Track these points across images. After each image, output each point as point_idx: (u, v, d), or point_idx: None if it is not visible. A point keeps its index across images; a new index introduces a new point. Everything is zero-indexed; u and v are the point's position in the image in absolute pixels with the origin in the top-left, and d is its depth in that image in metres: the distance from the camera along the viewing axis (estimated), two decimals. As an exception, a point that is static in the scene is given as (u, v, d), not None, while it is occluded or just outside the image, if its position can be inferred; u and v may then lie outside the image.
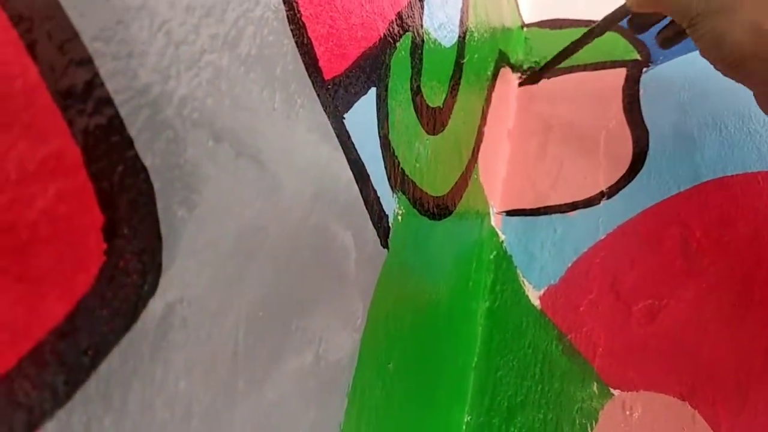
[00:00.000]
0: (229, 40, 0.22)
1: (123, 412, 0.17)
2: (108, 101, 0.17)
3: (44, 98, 0.16)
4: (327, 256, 0.29)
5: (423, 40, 0.40)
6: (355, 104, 0.31)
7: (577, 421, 0.45)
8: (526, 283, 0.53)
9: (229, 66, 0.22)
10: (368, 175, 0.33)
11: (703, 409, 0.43)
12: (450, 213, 0.46)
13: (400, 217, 0.37)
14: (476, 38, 0.53)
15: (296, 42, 0.26)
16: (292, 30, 0.26)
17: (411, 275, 0.40)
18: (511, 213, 0.58)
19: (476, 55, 0.53)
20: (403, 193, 0.38)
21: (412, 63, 0.39)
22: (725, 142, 0.53)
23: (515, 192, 0.59)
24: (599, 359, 0.47)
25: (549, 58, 0.67)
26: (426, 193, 0.42)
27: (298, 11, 0.26)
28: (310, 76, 0.27)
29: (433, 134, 0.43)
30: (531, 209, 0.57)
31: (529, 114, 0.63)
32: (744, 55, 0.36)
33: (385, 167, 0.35)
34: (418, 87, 0.40)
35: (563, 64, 0.62)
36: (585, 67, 0.63)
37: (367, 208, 0.33)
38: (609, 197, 0.54)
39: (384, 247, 0.35)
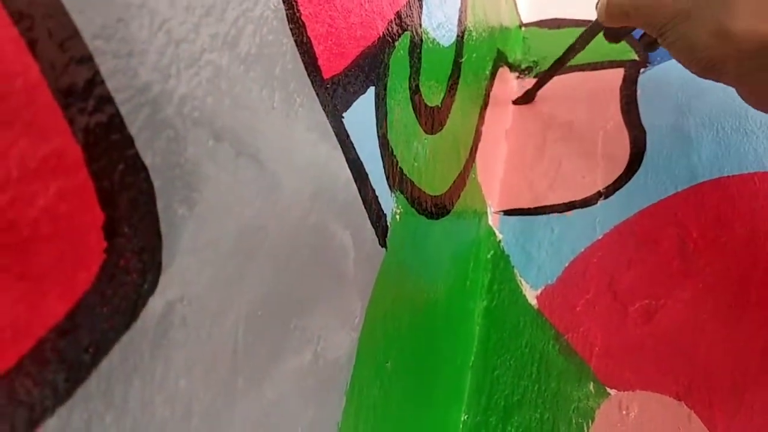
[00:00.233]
0: (229, 39, 0.22)
1: (123, 409, 0.17)
2: (108, 99, 0.17)
3: (45, 96, 0.16)
4: (326, 255, 0.29)
5: (422, 40, 0.40)
6: (354, 103, 0.31)
7: (574, 421, 0.45)
8: (523, 282, 0.53)
9: (228, 65, 0.22)
10: (367, 174, 0.33)
11: (699, 409, 0.43)
12: (448, 212, 0.46)
13: (398, 217, 0.37)
14: (474, 38, 0.53)
15: (295, 41, 0.26)
16: (291, 29, 0.26)
17: (409, 274, 0.40)
18: (508, 212, 0.58)
19: (474, 55, 0.53)
20: (402, 193, 0.38)
21: (410, 62, 0.39)
22: (722, 143, 0.53)
23: (513, 191, 0.59)
24: (596, 359, 0.47)
25: (547, 57, 0.67)
26: (424, 193, 0.42)
27: (298, 10, 0.26)
28: (309, 75, 0.27)
29: (432, 133, 0.43)
30: (528, 209, 0.57)
31: (526, 114, 0.63)
32: (713, 58, 0.36)
33: (384, 166, 0.35)
34: (417, 86, 0.40)
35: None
36: (583, 68, 0.63)
37: (365, 208, 0.33)
38: (606, 197, 0.54)
39: (382, 246, 0.35)
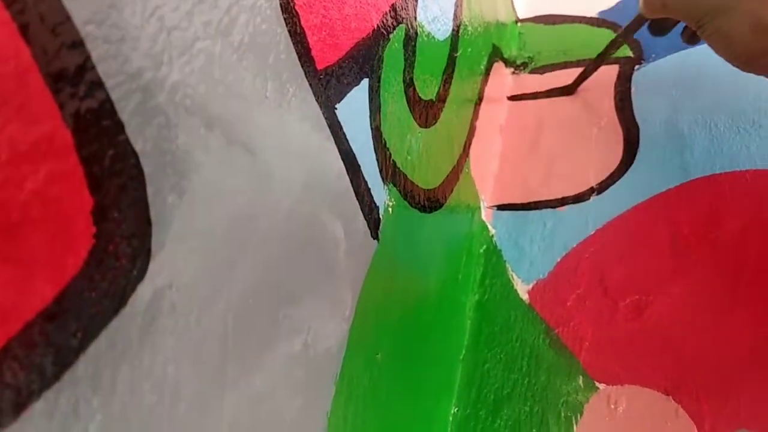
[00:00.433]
0: (222, 28, 0.22)
1: (111, 394, 0.18)
2: (99, 85, 0.17)
3: (36, 80, 0.16)
4: (317, 245, 0.29)
5: (416, 33, 0.40)
6: (348, 95, 0.31)
7: (563, 414, 0.45)
8: (515, 277, 0.53)
9: (221, 53, 0.22)
10: (359, 166, 0.33)
11: (687, 403, 0.43)
12: (441, 206, 0.47)
13: (390, 209, 0.37)
14: (470, 32, 0.53)
15: (289, 31, 0.26)
16: (285, 19, 0.26)
17: (401, 267, 0.40)
18: (501, 207, 0.58)
19: (470, 49, 0.53)
20: (394, 185, 0.38)
21: (405, 55, 0.39)
22: (715, 140, 0.53)
23: (506, 186, 0.59)
24: (585, 353, 0.47)
25: (542, 53, 0.67)
26: (417, 186, 0.42)
27: (292, 0, 0.26)
28: (302, 66, 0.27)
29: (425, 127, 0.43)
30: (522, 204, 0.57)
31: (521, 109, 0.63)
32: (753, 51, 0.36)
33: (377, 159, 0.35)
34: (411, 79, 0.40)
35: (558, 60, 0.62)
36: (578, 64, 0.63)
37: (357, 199, 0.33)
38: (599, 193, 0.55)
39: (374, 239, 0.35)
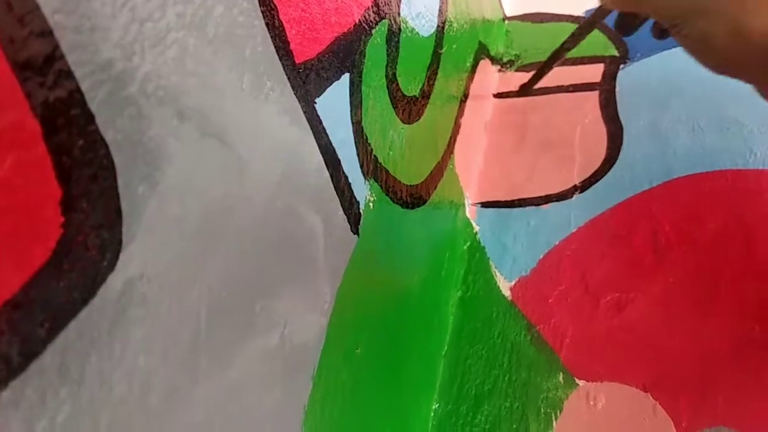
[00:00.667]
0: (197, 20, 0.22)
1: (80, 384, 0.18)
2: (69, 74, 0.17)
3: (3, 69, 0.16)
4: (294, 239, 0.29)
5: (400, 28, 0.40)
6: (328, 89, 0.31)
7: (542, 410, 0.46)
8: (498, 273, 0.53)
9: (195, 44, 0.22)
10: (339, 161, 0.33)
11: (665, 400, 0.44)
12: (424, 202, 0.47)
13: (371, 204, 0.37)
14: (455, 29, 0.53)
15: (267, 24, 0.26)
16: (263, 11, 0.26)
17: (382, 262, 0.40)
18: (485, 204, 0.58)
19: (455, 46, 0.53)
20: (376, 181, 0.38)
21: (387, 51, 0.39)
22: (697, 140, 0.54)
23: (491, 184, 0.59)
24: (566, 350, 0.48)
25: (529, 51, 0.67)
26: (399, 182, 0.42)
27: (270, -7, 0.26)
28: (280, 59, 0.27)
29: (409, 123, 0.43)
30: (506, 201, 0.58)
31: (506, 107, 0.64)
32: (728, 56, 0.35)
33: (358, 154, 0.35)
34: (394, 75, 0.40)
35: (544, 59, 0.62)
36: (563, 62, 0.63)
37: (337, 194, 0.33)
38: (582, 191, 0.55)
39: (354, 234, 0.35)
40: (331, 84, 0.32)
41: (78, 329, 0.18)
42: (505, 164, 0.60)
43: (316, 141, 0.31)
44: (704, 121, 0.54)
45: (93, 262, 0.18)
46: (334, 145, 0.32)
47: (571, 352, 0.47)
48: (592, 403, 0.45)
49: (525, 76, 0.65)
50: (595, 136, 0.58)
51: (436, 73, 0.48)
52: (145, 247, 0.20)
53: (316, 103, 0.30)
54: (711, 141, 0.53)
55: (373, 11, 0.36)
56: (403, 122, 0.42)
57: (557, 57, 0.56)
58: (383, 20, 0.38)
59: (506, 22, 0.71)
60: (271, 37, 0.26)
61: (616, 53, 0.62)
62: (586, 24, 0.51)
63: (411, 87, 0.43)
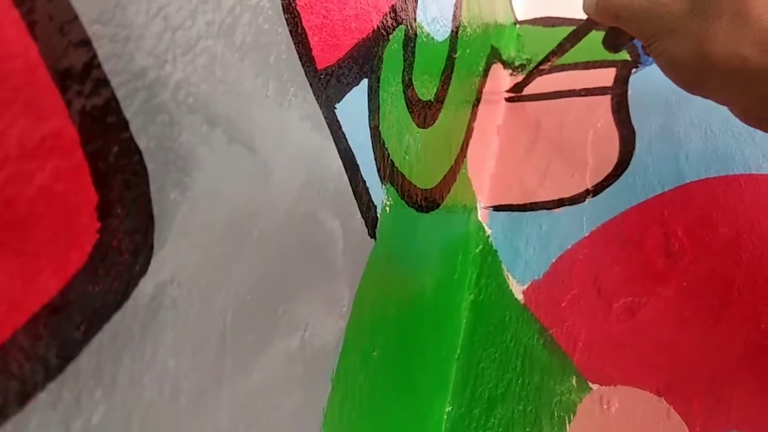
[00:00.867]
0: (225, 27, 0.22)
1: (113, 386, 0.18)
2: (105, 83, 0.17)
3: (44, 78, 0.16)
4: (315, 243, 0.30)
5: (416, 34, 0.41)
6: (347, 95, 0.32)
7: (556, 414, 0.46)
8: (510, 277, 0.53)
9: (224, 52, 0.22)
10: (358, 166, 0.33)
11: (678, 404, 0.44)
12: (438, 206, 0.47)
13: (388, 208, 0.37)
14: (468, 33, 0.53)
15: (290, 31, 0.26)
16: (287, 19, 0.26)
17: (397, 266, 0.40)
18: (497, 208, 0.58)
19: (468, 51, 0.53)
20: (392, 185, 0.38)
21: (404, 56, 0.39)
22: (709, 144, 0.54)
23: (503, 187, 0.59)
24: (579, 354, 0.48)
25: (540, 55, 0.67)
26: (414, 186, 0.42)
27: (293, 1, 0.27)
28: (303, 66, 0.27)
29: (424, 127, 0.43)
30: (518, 205, 0.58)
31: (518, 111, 0.64)
32: (696, 77, 0.35)
33: (375, 158, 0.36)
34: (410, 80, 0.40)
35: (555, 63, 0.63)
36: (575, 66, 0.64)
37: (355, 198, 0.33)
38: (594, 195, 0.55)
39: (371, 237, 0.35)
40: (351, 89, 0.32)
41: (112, 332, 0.18)
42: (517, 168, 0.60)
43: (336, 146, 0.31)
44: (716, 126, 0.55)
45: (127, 267, 0.18)
46: (353, 149, 0.33)
47: (584, 356, 0.47)
48: (605, 407, 0.45)
49: (536, 81, 0.65)
50: (608, 140, 0.58)
51: (450, 78, 0.49)
52: (176, 252, 0.20)
53: (336, 108, 0.31)
54: (723, 146, 0.53)
55: (390, 17, 0.37)
56: (418, 126, 0.42)
57: (545, 61, 0.57)
58: (400, 26, 0.38)
59: (517, 26, 0.72)
60: (295, 44, 0.26)
61: (628, 57, 0.62)
62: (573, 34, 0.52)
63: (426, 91, 0.44)
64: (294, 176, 0.27)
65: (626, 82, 0.61)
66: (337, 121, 0.31)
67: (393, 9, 0.37)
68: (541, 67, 0.58)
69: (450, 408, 0.48)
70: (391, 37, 0.37)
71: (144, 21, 0.19)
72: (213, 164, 0.22)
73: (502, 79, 0.66)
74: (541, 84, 0.63)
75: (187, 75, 0.20)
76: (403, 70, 0.39)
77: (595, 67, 0.63)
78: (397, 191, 0.39)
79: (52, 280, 0.16)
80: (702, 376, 0.44)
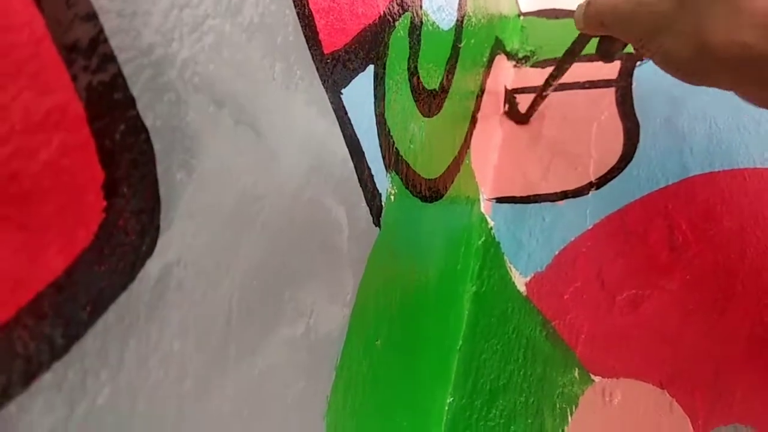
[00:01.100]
0: (232, 7, 0.22)
1: (119, 367, 0.18)
2: (112, 58, 0.17)
3: (50, 51, 0.16)
4: (320, 229, 0.29)
5: (422, 21, 0.40)
6: (353, 80, 0.31)
7: (558, 406, 0.46)
8: (513, 269, 0.53)
9: (231, 32, 0.22)
10: (363, 153, 0.33)
11: (681, 397, 0.44)
12: (441, 196, 0.47)
13: (392, 197, 0.37)
14: (473, 23, 0.53)
15: (297, 13, 0.26)
16: (294, 1, 0.26)
17: (401, 255, 0.40)
18: (501, 200, 0.58)
19: (473, 41, 0.53)
20: (397, 174, 0.38)
21: (410, 43, 0.39)
22: (714, 138, 0.53)
23: (506, 179, 0.59)
24: (581, 346, 0.48)
25: (544, 47, 0.67)
26: (419, 175, 0.42)
27: (301, -17, 0.26)
28: (310, 49, 0.27)
29: (428, 117, 0.43)
30: (521, 197, 0.57)
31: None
32: (695, 70, 0.35)
33: (380, 146, 0.35)
34: (416, 68, 0.40)
35: (559, 55, 0.62)
36: (579, 59, 0.63)
37: (361, 186, 0.33)
38: (598, 188, 0.55)
39: (376, 226, 0.35)
40: (357, 75, 0.32)
41: (118, 313, 0.18)
42: (521, 160, 0.60)
43: (342, 132, 0.31)
44: (721, 120, 0.54)
45: (133, 247, 0.18)
46: (358, 136, 0.32)
47: (586, 348, 0.47)
48: (608, 399, 0.45)
49: (540, 72, 0.65)
50: (612, 132, 0.57)
51: (455, 67, 0.48)
52: (182, 233, 0.20)
53: (342, 93, 0.30)
54: (728, 139, 0.53)
55: (397, 3, 0.36)
56: (423, 115, 0.42)
57: (547, 86, 0.56)
58: (406, 13, 0.38)
59: (521, 17, 0.71)
60: (302, 26, 0.26)
61: (632, 50, 0.62)
62: (569, 53, 0.52)
63: (431, 80, 0.43)
64: (300, 161, 0.27)
65: (631, 75, 0.60)
66: (344, 107, 0.31)
67: (399, -5, 0.37)
68: (543, 93, 0.58)
69: (451, 399, 0.48)
70: (397, 23, 0.37)
71: (151, -3, 0.18)
72: (219, 146, 0.21)
73: (505, 70, 0.66)
74: (545, 76, 0.63)
75: (194, 53, 0.20)
76: (409, 58, 0.39)
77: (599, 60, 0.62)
78: (402, 180, 0.39)
79: (57, 258, 0.16)
80: (705, 369, 0.44)
